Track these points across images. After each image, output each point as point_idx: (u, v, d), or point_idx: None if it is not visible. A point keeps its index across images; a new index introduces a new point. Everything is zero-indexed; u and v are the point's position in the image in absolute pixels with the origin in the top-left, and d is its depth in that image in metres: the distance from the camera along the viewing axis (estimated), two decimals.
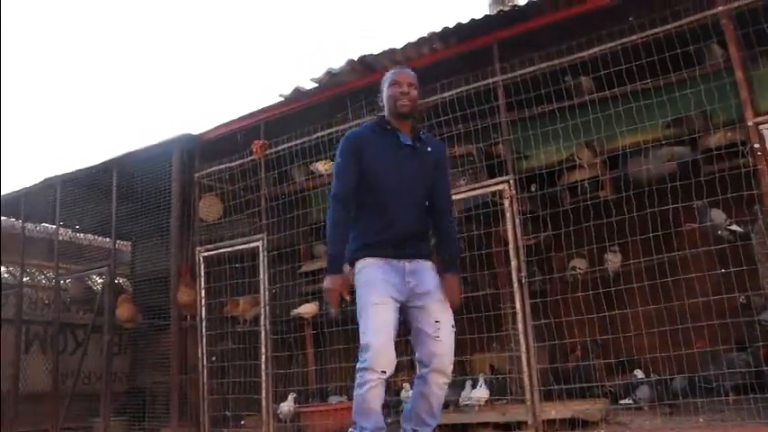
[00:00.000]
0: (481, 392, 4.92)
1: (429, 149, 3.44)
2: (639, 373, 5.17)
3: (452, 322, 3.31)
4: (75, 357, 7.86)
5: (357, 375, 3.13)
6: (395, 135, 3.39)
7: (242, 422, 5.93)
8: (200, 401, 5.95)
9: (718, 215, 4.76)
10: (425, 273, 3.34)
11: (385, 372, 3.10)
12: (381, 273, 3.25)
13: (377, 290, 3.20)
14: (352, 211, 3.34)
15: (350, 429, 3.23)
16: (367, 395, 3.09)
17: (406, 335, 3.34)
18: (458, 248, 3.68)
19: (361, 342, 3.14)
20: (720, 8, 4.16)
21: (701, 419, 4.11)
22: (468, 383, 5.09)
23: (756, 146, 3.91)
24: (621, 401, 5.06)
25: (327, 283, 3.23)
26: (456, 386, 5.09)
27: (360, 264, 3.31)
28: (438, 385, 3.24)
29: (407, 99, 3.35)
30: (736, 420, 3.91)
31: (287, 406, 5.64)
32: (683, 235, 4.91)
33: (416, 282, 3.28)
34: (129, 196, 6.91)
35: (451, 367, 3.28)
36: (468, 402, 4.92)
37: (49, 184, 7.38)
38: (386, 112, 3.46)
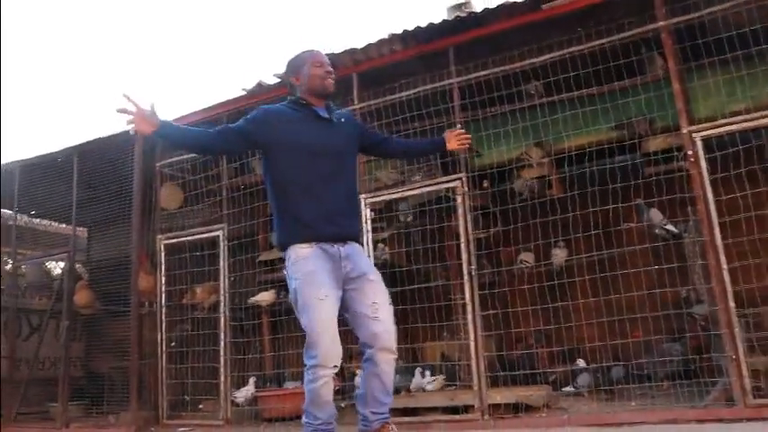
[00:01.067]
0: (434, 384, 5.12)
1: (342, 120, 3.52)
2: (581, 362, 5.47)
3: (389, 300, 3.34)
4: (29, 343, 7.87)
5: (308, 372, 3.15)
6: (311, 110, 3.42)
7: (200, 406, 6.06)
8: (159, 386, 6.05)
9: (655, 215, 5.08)
10: (359, 256, 3.37)
11: (336, 366, 3.14)
12: (320, 264, 3.23)
13: (319, 284, 3.18)
14: (215, 145, 3.43)
15: (303, 418, 3.27)
16: (321, 390, 3.14)
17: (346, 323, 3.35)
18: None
19: (309, 339, 3.15)
20: (661, 23, 4.43)
21: (632, 403, 4.42)
22: (419, 371, 5.32)
23: (690, 152, 4.20)
24: (564, 388, 5.37)
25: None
26: (407, 373, 5.33)
27: (293, 252, 3.28)
28: (386, 362, 3.27)
29: (332, 78, 3.44)
30: (665, 404, 4.21)
31: (245, 391, 5.81)
32: (624, 232, 5.20)
33: (351, 266, 3.29)
34: (89, 183, 6.93)
35: (395, 343, 3.30)
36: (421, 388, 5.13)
37: (8, 169, 7.35)
38: (304, 91, 3.44)
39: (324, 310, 3.15)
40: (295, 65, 3.52)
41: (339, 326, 3.17)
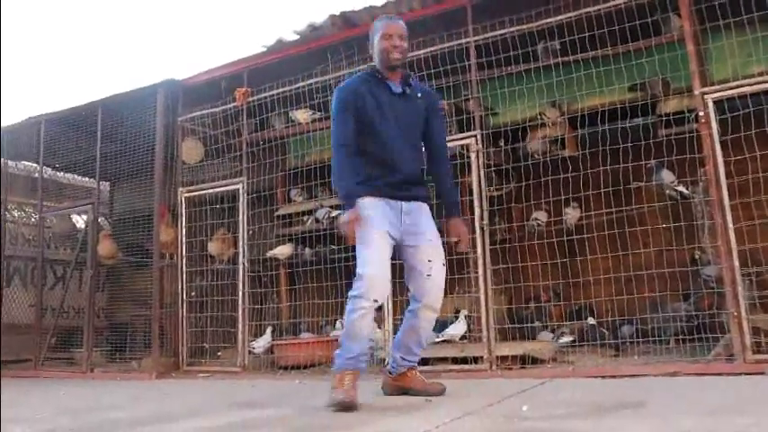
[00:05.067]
0: (459, 328, 5.18)
1: (419, 95, 3.62)
2: (591, 320, 5.57)
3: (443, 261, 3.55)
4: (54, 292, 8.12)
5: (349, 302, 3.35)
6: (386, 84, 3.55)
7: (218, 354, 6.27)
8: (180, 334, 6.25)
9: (667, 175, 5.14)
10: (421, 214, 3.56)
11: (377, 301, 3.33)
12: (380, 209, 3.43)
13: (375, 225, 3.39)
14: (355, 155, 3.49)
15: (336, 351, 3.43)
16: (358, 321, 3.31)
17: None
18: (456, 193, 3.91)
19: (357, 272, 3.36)
20: None
21: (636, 357, 4.55)
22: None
23: (701, 113, 4.25)
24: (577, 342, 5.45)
25: (346, 216, 3.38)
26: None
27: (358, 202, 3.44)
28: (427, 320, 3.53)
29: (398, 52, 3.51)
30: (668, 359, 4.33)
31: (263, 340, 5.99)
32: (635, 193, 5.27)
33: (411, 221, 3.50)
34: (112, 137, 7.07)
35: (441, 303, 3.55)
36: (442, 338, 5.23)
37: (33, 122, 7.51)
38: (377, 63, 3.60)
39: (375, 247, 3.38)
40: (370, 33, 3.66)
41: None
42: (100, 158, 7.04)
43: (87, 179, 8.37)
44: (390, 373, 3.68)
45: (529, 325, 5.28)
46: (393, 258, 3.52)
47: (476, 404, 3.16)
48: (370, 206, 3.43)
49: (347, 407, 3.19)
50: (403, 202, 3.50)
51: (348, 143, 3.48)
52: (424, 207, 3.60)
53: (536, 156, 5.40)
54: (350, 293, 3.37)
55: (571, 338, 5.28)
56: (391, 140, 3.50)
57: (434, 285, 3.50)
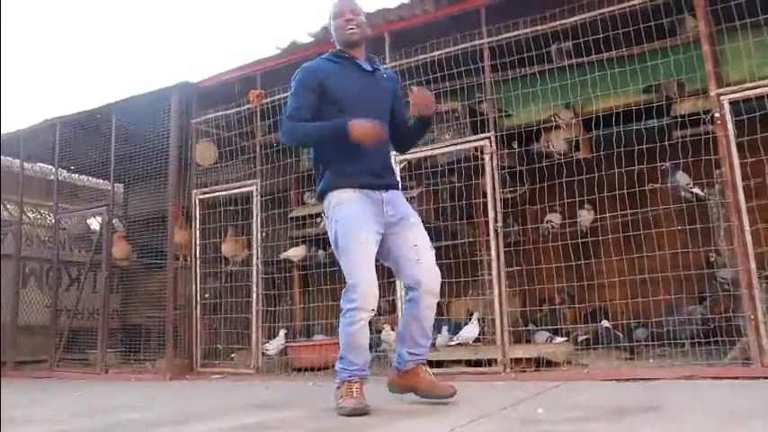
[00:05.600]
0: (472, 330, 5.19)
1: (385, 76, 3.54)
2: (606, 323, 5.55)
3: (429, 243, 3.38)
4: (69, 293, 8.17)
5: (346, 315, 3.21)
6: (353, 62, 3.43)
7: (232, 355, 6.28)
8: (193, 336, 6.27)
9: (682, 177, 5.11)
10: (398, 200, 3.41)
11: (374, 309, 3.22)
12: (362, 207, 3.27)
13: (360, 227, 3.23)
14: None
15: (337, 364, 3.36)
16: (358, 334, 3.22)
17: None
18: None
19: (350, 281, 3.21)
20: None
21: (651, 360, 4.52)
22: (444, 327, 5.44)
23: (717, 115, 4.23)
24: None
25: (353, 128, 3.16)
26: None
27: (335, 197, 3.31)
28: (428, 306, 3.31)
29: (353, 24, 3.39)
30: (684, 363, 4.30)
31: (276, 342, 6.00)
32: (650, 195, 5.24)
33: (393, 210, 3.34)
34: (126, 139, 7.11)
35: (439, 286, 3.34)
36: (457, 341, 5.19)
37: (49, 125, 7.56)
38: (338, 45, 3.48)
39: (365, 253, 3.22)
40: (329, 21, 3.55)
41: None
42: (114, 160, 7.09)
43: (102, 181, 8.43)
44: (397, 369, 3.47)
45: (524, 328, 5.27)
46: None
47: (491, 407, 3.15)
48: (350, 202, 3.28)
49: (360, 413, 3.13)
50: (383, 192, 3.34)
51: (300, 118, 3.33)
52: (400, 194, 3.48)
53: (557, 155, 5.38)
54: (345, 305, 3.23)
55: (586, 337, 5.28)
56: (365, 118, 3.27)
57: (427, 269, 3.31)
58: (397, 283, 4.89)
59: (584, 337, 5.31)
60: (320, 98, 3.36)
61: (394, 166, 4.16)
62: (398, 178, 3.60)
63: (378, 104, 3.43)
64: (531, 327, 5.39)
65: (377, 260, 3.34)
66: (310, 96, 3.35)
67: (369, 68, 3.47)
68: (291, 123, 3.37)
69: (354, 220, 3.25)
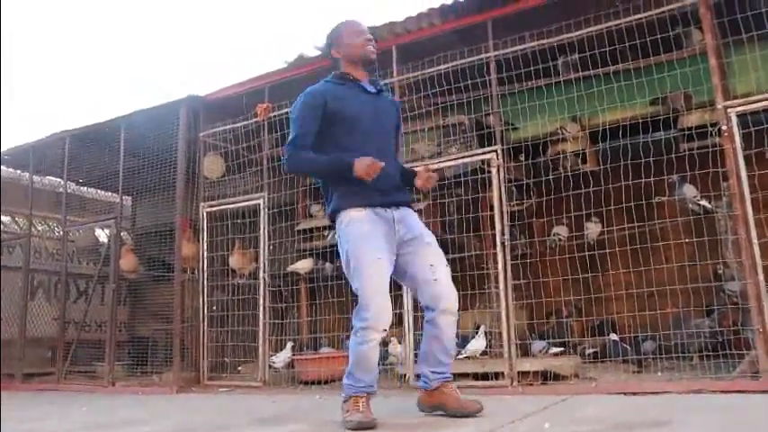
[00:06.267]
0: (479, 344, 5.13)
1: (389, 98, 3.56)
2: (614, 336, 5.53)
3: (445, 261, 3.36)
4: (77, 306, 8.20)
5: (357, 334, 3.21)
6: (358, 84, 3.43)
7: (239, 368, 6.28)
8: (200, 349, 6.27)
9: (689, 190, 5.11)
10: (411, 218, 3.40)
11: (386, 330, 3.21)
12: (373, 226, 3.26)
13: (372, 246, 3.22)
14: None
15: (345, 379, 3.35)
16: (369, 353, 3.22)
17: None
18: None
19: (361, 301, 3.20)
20: None
21: (659, 374, 4.50)
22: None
23: (724, 127, 4.22)
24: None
25: (356, 166, 3.18)
26: None
27: (346, 216, 3.30)
28: (448, 325, 3.30)
29: (373, 45, 3.42)
30: (692, 376, 4.28)
31: (283, 355, 6.00)
32: (657, 207, 5.24)
33: (405, 229, 3.33)
34: (135, 152, 7.14)
35: (457, 304, 3.33)
36: (465, 354, 5.18)
37: (58, 138, 7.60)
38: (346, 64, 3.46)
39: (377, 273, 3.20)
40: (334, 37, 3.52)
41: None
42: (123, 173, 7.11)
43: (110, 194, 8.46)
44: (425, 389, 3.47)
45: (531, 341, 5.26)
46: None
47: (498, 421, 3.13)
48: (360, 222, 3.28)
49: (367, 427, 3.13)
50: (394, 210, 3.34)
51: (303, 146, 3.34)
52: (411, 211, 3.45)
53: (563, 169, 5.39)
54: (356, 324, 3.22)
55: (594, 350, 5.26)
56: (375, 140, 3.33)
57: (445, 287, 3.30)
58: (404, 296, 4.89)
59: (593, 350, 5.28)
60: (327, 121, 3.35)
61: None
62: (409, 195, 3.54)
63: (384, 125, 3.46)
64: (535, 339, 5.37)
65: (392, 279, 3.34)
66: (315, 121, 3.35)
67: (373, 90, 3.49)
68: (296, 152, 3.36)
69: (365, 240, 3.25)
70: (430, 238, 3.39)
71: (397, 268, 3.35)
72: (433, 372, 3.40)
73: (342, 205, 3.34)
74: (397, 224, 3.33)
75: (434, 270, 3.31)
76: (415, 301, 4.93)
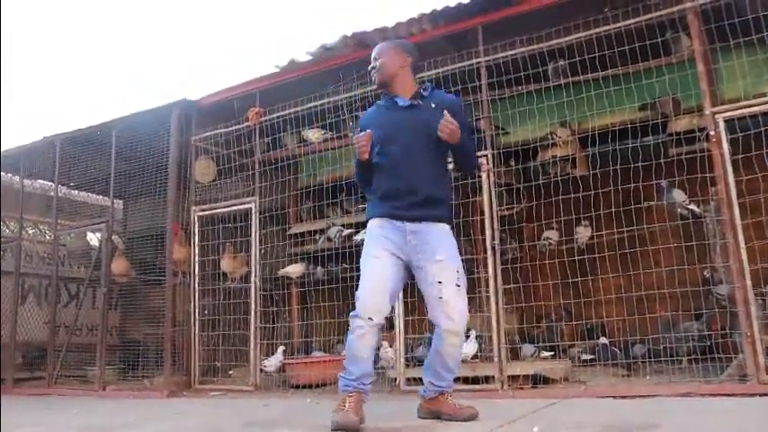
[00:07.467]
0: (469, 348, 5.15)
1: (433, 105, 3.51)
2: (603, 339, 5.56)
3: (457, 281, 3.35)
4: (68, 310, 8.16)
5: (350, 324, 3.36)
6: (392, 100, 3.60)
7: (230, 372, 6.28)
8: (192, 353, 6.27)
9: (678, 194, 5.14)
10: (430, 234, 3.41)
11: (372, 319, 3.27)
12: (380, 229, 3.46)
13: (375, 245, 3.43)
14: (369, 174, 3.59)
15: (339, 374, 3.41)
16: (355, 341, 3.30)
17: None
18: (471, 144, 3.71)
19: (357, 292, 3.40)
20: (688, 4, 4.47)
21: (648, 377, 4.53)
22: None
23: (712, 133, 4.26)
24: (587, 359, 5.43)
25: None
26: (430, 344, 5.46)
27: (369, 224, 3.57)
28: (450, 344, 3.36)
29: (374, 72, 3.61)
30: (681, 380, 4.31)
31: (274, 359, 6.01)
32: (646, 212, 5.28)
33: (417, 241, 3.39)
34: (126, 156, 7.12)
35: (463, 326, 3.39)
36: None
37: (49, 142, 7.57)
38: None
39: (373, 267, 3.41)
40: None
41: None
42: (114, 177, 7.09)
43: (101, 197, 8.44)
44: (423, 397, 3.59)
45: (521, 345, 5.27)
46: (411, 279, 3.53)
47: (487, 425, 3.16)
48: (373, 227, 3.52)
49: (344, 428, 3.19)
50: (407, 223, 3.42)
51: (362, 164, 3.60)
52: (439, 226, 3.45)
53: (550, 174, 5.42)
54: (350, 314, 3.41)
55: (591, 357, 5.29)
56: (395, 158, 3.46)
57: (450, 308, 3.32)
58: (395, 301, 4.90)
59: (589, 356, 5.31)
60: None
61: None
62: (436, 211, 3.50)
63: (413, 137, 3.47)
64: (527, 343, 5.39)
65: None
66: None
67: (405, 104, 3.56)
68: (356, 175, 3.75)
69: (370, 240, 3.50)
70: (443, 255, 3.39)
71: (416, 279, 3.49)
72: (431, 383, 3.51)
73: (367, 215, 3.63)
74: (408, 235, 3.43)
75: (441, 288, 3.34)
76: (406, 306, 4.97)
